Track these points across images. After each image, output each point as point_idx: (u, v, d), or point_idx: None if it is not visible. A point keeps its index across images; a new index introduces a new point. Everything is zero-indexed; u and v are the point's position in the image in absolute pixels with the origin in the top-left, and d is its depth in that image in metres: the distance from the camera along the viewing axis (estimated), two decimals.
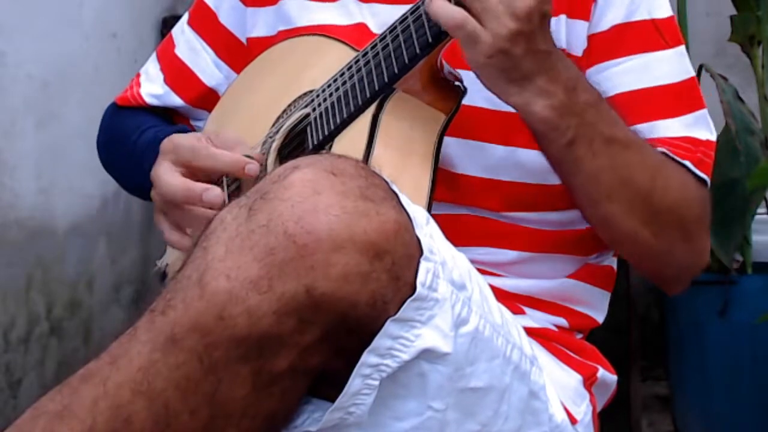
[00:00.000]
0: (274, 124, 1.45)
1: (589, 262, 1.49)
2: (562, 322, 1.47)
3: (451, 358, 1.17)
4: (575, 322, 1.48)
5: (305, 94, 1.43)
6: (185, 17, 1.66)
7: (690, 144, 1.42)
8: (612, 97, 1.41)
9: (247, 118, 1.50)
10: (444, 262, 1.17)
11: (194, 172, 1.40)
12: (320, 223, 1.09)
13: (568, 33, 1.42)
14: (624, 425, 2.71)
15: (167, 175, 1.40)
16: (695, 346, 2.65)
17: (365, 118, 1.32)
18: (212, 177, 1.41)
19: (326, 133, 1.37)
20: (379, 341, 1.13)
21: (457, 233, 1.30)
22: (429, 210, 1.27)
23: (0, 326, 2.47)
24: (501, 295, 1.36)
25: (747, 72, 2.78)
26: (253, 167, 1.38)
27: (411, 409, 1.18)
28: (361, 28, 1.47)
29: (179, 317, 1.10)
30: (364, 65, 1.34)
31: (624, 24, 1.43)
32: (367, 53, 1.35)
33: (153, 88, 1.64)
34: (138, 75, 1.67)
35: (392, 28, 1.33)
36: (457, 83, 1.35)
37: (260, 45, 1.54)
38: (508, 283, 1.43)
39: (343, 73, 1.37)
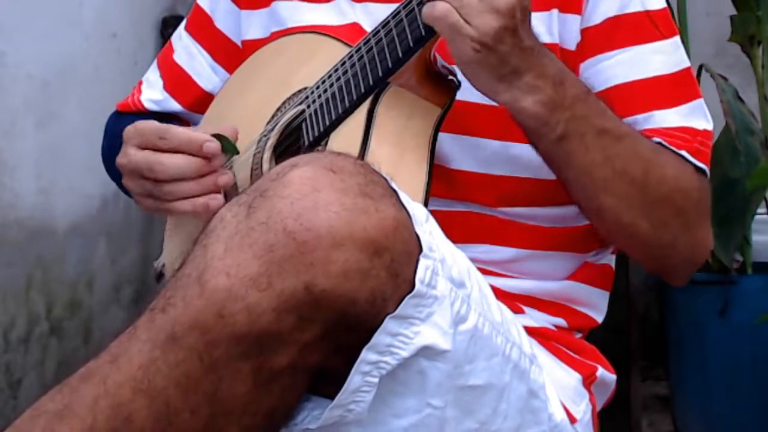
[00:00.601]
0: (268, 122, 1.45)
1: (587, 260, 1.49)
2: (562, 322, 1.47)
3: (450, 356, 1.17)
4: (575, 322, 1.48)
5: (299, 91, 1.43)
6: (183, 23, 1.67)
7: (687, 134, 1.42)
8: (607, 89, 1.41)
9: (241, 117, 1.50)
10: (443, 260, 1.17)
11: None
12: (320, 220, 1.10)
13: (561, 28, 1.42)
14: (624, 425, 2.71)
15: (160, 157, 1.38)
16: (695, 346, 2.65)
17: (360, 113, 1.33)
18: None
19: (321, 129, 1.37)
20: (379, 338, 1.13)
21: (455, 230, 1.30)
22: (426, 203, 1.27)
23: (0, 326, 2.47)
24: (500, 294, 1.36)
25: (747, 72, 2.78)
26: (212, 145, 1.38)
27: (410, 407, 1.18)
28: (355, 28, 1.47)
29: (179, 315, 1.11)
30: (358, 60, 1.34)
31: (617, 16, 1.43)
32: (360, 48, 1.35)
33: (153, 94, 1.64)
34: (140, 83, 1.68)
35: (385, 23, 1.33)
36: (451, 77, 1.35)
37: (255, 47, 1.54)
38: (507, 283, 1.43)
39: (336, 69, 1.37)
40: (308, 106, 1.39)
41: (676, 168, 1.40)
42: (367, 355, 1.13)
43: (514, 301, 1.42)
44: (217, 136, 1.39)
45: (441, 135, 1.34)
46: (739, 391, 2.61)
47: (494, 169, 1.41)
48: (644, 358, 2.86)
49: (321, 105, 1.37)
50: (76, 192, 2.70)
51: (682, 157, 1.41)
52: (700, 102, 1.45)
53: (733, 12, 2.70)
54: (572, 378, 1.43)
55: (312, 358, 1.12)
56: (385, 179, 1.17)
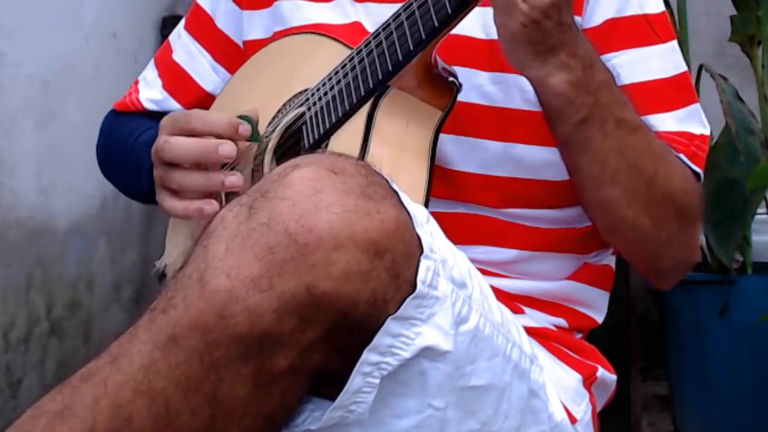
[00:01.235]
0: (269, 124, 1.45)
1: (588, 261, 1.49)
2: (562, 322, 1.47)
3: (451, 357, 1.17)
4: (575, 322, 1.48)
5: (300, 93, 1.43)
6: (182, 22, 1.66)
7: (684, 138, 1.42)
8: None
9: None
10: (444, 261, 1.17)
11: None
12: (321, 221, 1.10)
13: None
14: (624, 425, 2.71)
15: (174, 138, 1.38)
16: (695, 346, 2.65)
17: (360, 116, 1.33)
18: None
19: (322, 131, 1.37)
20: (380, 339, 1.13)
21: (456, 232, 1.30)
22: (426, 206, 1.27)
23: (0, 326, 2.47)
24: (501, 295, 1.36)
25: (747, 72, 2.78)
26: (245, 127, 1.38)
27: (411, 408, 1.18)
28: (357, 27, 1.47)
29: (180, 316, 1.11)
30: (359, 63, 1.34)
31: (615, 19, 1.43)
32: (361, 51, 1.35)
33: (152, 93, 1.64)
34: (136, 82, 1.67)
35: (386, 26, 1.33)
36: (451, 79, 1.35)
37: (256, 47, 1.54)
38: (507, 284, 1.43)
39: (337, 72, 1.37)
40: (309, 109, 1.39)
41: (681, 169, 1.40)
42: (368, 356, 1.13)
43: (514, 301, 1.42)
44: (244, 118, 1.39)
45: (442, 136, 1.34)
46: (739, 391, 2.61)
47: (495, 171, 1.41)
48: (644, 358, 2.86)
49: (321, 107, 1.37)
50: (76, 192, 2.70)
51: (681, 160, 1.41)
52: (696, 107, 1.46)
53: (733, 12, 2.70)
54: (572, 378, 1.43)
55: (313, 359, 1.12)
56: (386, 180, 1.17)
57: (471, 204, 1.42)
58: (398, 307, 1.13)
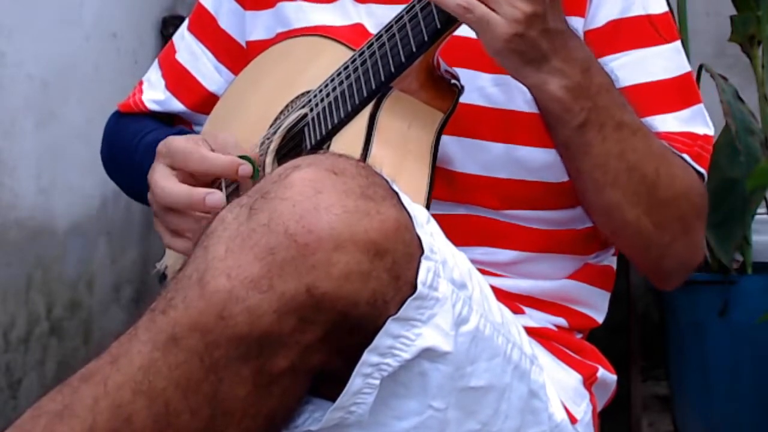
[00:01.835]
0: (271, 125, 1.45)
1: (588, 262, 1.49)
2: (562, 322, 1.47)
3: (451, 357, 1.17)
4: (575, 322, 1.48)
5: (303, 94, 1.43)
6: (185, 23, 1.66)
7: (688, 138, 1.42)
8: None
9: (245, 119, 1.50)
10: (444, 261, 1.17)
11: (190, 175, 1.39)
12: (321, 222, 1.09)
13: None
14: (624, 425, 2.71)
15: (165, 181, 1.37)
16: (695, 346, 2.65)
17: (362, 117, 1.32)
18: (209, 179, 1.40)
19: (323, 133, 1.37)
20: (380, 340, 1.13)
21: (457, 233, 1.30)
22: (428, 208, 1.27)
23: (0, 326, 2.47)
24: (501, 295, 1.36)
25: (747, 72, 2.78)
26: (245, 168, 1.37)
27: (412, 409, 1.18)
28: (359, 29, 1.47)
29: (180, 316, 1.10)
30: (361, 65, 1.34)
31: (619, 20, 1.43)
32: (363, 52, 1.35)
33: (155, 94, 1.64)
34: (140, 82, 1.67)
35: (388, 27, 1.33)
36: (454, 81, 1.35)
37: (259, 48, 1.54)
38: (507, 283, 1.43)
39: (339, 73, 1.37)
40: (311, 110, 1.39)
41: (683, 170, 1.40)
42: (368, 357, 1.13)
43: (514, 301, 1.42)
44: (245, 158, 1.38)
45: (444, 137, 1.33)
46: (739, 391, 2.61)
47: (497, 172, 1.41)
48: (644, 358, 2.86)
49: (323, 109, 1.37)
50: (76, 192, 2.70)
51: (684, 160, 1.41)
52: (700, 107, 1.46)
53: (733, 12, 2.71)
54: (573, 378, 1.43)
55: (313, 360, 1.12)
56: (386, 181, 1.17)
57: (472, 205, 1.42)
58: (398, 308, 1.13)
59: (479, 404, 1.23)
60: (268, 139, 1.44)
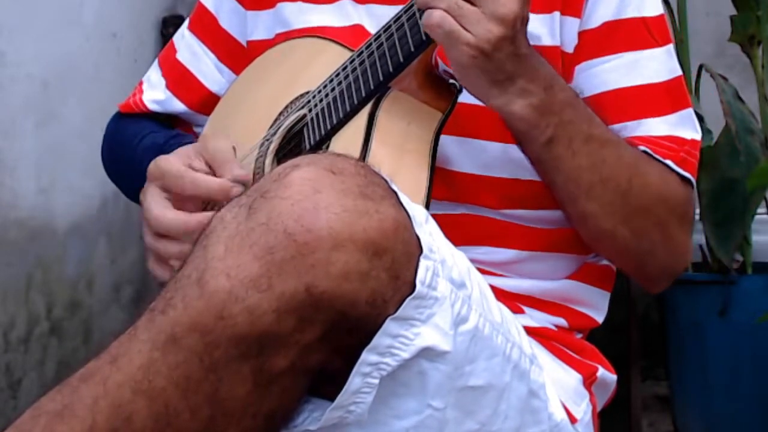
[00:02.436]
0: (271, 126, 1.45)
1: (587, 261, 1.49)
2: (562, 322, 1.47)
3: (450, 357, 1.18)
4: (575, 322, 1.48)
5: (302, 95, 1.43)
6: (186, 23, 1.66)
7: (674, 143, 1.43)
8: (600, 93, 1.42)
9: (245, 120, 1.50)
10: (443, 261, 1.17)
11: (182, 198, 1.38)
12: (320, 221, 1.10)
13: (562, 30, 1.43)
14: (624, 425, 2.71)
15: (158, 207, 1.36)
16: (695, 346, 2.65)
17: (361, 117, 1.33)
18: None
19: (323, 133, 1.37)
20: (379, 340, 1.13)
21: (456, 232, 1.30)
22: (427, 208, 1.27)
23: (0, 326, 2.47)
24: (500, 294, 1.36)
25: (747, 72, 2.78)
26: (237, 191, 1.35)
27: (411, 408, 1.18)
28: (359, 30, 1.47)
29: (179, 316, 1.11)
30: (359, 65, 1.34)
31: (614, 21, 1.44)
32: (362, 53, 1.35)
33: (155, 94, 1.63)
34: (140, 83, 1.67)
35: (386, 27, 1.33)
36: (452, 81, 1.35)
37: (260, 48, 1.54)
38: (507, 283, 1.43)
39: (338, 74, 1.37)
40: (310, 111, 1.39)
41: (660, 177, 1.40)
42: (367, 356, 1.13)
43: (514, 301, 1.42)
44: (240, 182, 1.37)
45: (442, 137, 1.34)
46: (739, 391, 2.61)
47: (495, 172, 1.42)
48: (644, 358, 2.86)
49: (322, 109, 1.37)
50: (76, 192, 2.70)
51: (667, 166, 1.41)
52: (689, 111, 1.46)
53: (733, 12, 2.70)
54: (572, 378, 1.43)
55: (312, 359, 1.12)
56: (385, 180, 1.17)
57: (471, 205, 1.42)
58: (397, 308, 1.13)
59: (478, 404, 1.23)
60: (267, 139, 1.44)
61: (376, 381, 1.14)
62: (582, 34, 1.43)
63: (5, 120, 2.50)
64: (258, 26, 1.57)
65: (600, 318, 1.52)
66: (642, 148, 1.41)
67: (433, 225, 1.20)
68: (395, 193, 1.16)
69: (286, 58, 1.49)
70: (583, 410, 1.42)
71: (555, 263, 1.46)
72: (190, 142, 1.46)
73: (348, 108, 1.34)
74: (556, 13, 1.42)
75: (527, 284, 1.45)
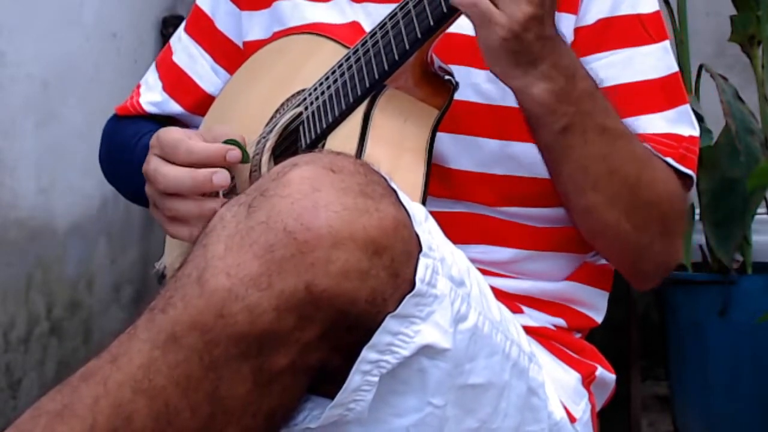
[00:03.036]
0: (267, 124, 1.45)
1: (587, 261, 1.49)
2: (561, 322, 1.47)
3: (450, 355, 1.18)
4: (574, 322, 1.48)
5: (298, 93, 1.43)
6: (182, 25, 1.66)
7: (672, 140, 1.43)
8: None
9: (240, 118, 1.50)
10: (443, 259, 1.18)
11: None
12: (320, 219, 1.10)
13: (557, 26, 1.42)
14: (624, 425, 2.71)
15: (165, 168, 1.37)
16: (695, 346, 2.65)
17: (357, 115, 1.33)
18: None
19: (319, 131, 1.37)
20: (379, 337, 1.13)
21: (454, 231, 1.30)
22: (424, 204, 1.27)
23: (0, 326, 2.47)
24: (500, 295, 1.36)
25: (747, 72, 2.78)
26: (234, 153, 1.37)
27: (411, 406, 1.18)
28: (355, 27, 1.47)
29: (179, 315, 1.11)
30: (355, 62, 1.34)
31: (609, 18, 1.44)
32: (357, 50, 1.35)
33: (152, 96, 1.63)
34: (138, 85, 1.67)
35: (382, 25, 1.33)
36: (448, 78, 1.35)
37: (256, 48, 1.54)
38: (506, 284, 1.43)
39: (334, 71, 1.37)
40: (306, 108, 1.39)
41: (665, 174, 1.41)
42: (367, 354, 1.13)
43: (513, 301, 1.42)
44: (231, 142, 1.38)
45: (439, 134, 1.34)
46: (739, 391, 2.61)
47: (492, 169, 1.42)
48: (644, 358, 2.86)
49: (318, 107, 1.37)
50: (76, 192, 2.70)
51: (667, 163, 1.41)
52: (686, 108, 1.46)
53: (733, 12, 2.70)
54: (572, 377, 1.43)
55: (312, 357, 1.12)
56: (385, 179, 1.17)
57: (468, 202, 1.42)
58: (397, 306, 1.13)
59: (478, 402, 1.23)
60: (264, 137, 1.44)
61: (376, 379, 1.14)
62: (577, 31, 1.43)
63: (5, 120, 2.50)
64: (253, 26, 1.57)
65: (599, 318, 1.52)
66: (644, 144, 1.41)
67: (432, 223, 1.20)
68: (395, 191, 1.16)
69: (282, 55, 1.49)
70: (582, 409, 1.43)
71: (554, 263, 1.46)
72: None
73: (344, 106, 1.34)
74: None
75: (526, 284, 1.45)
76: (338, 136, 1.34)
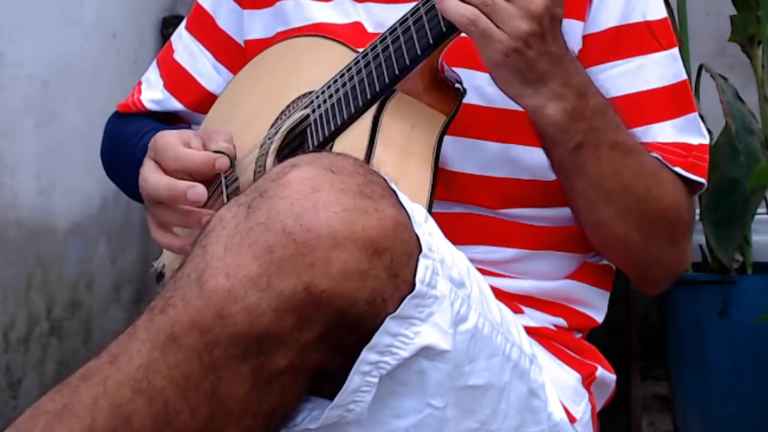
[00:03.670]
0: (272, 126, 1.45)
1: (587, 261, 1.49)
2: (561, 322, 1.47)
3: (450, 356, 1.17)
4: (574, 322, 1.48)
5: (304, 95, 1.43)
6: (183, 23, 1.66)
7: (682, 149, 1.43)
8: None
9: (244, 119, 1.50)
10: (443, 260, 1.17)
11: (185, 173, 1.40)
12: (319, 220, 1.10)
13: (565, 32, 1.42)
14: (624, 425, 2.71)
15: (151, 174, 1.40)
16: (695, 346, 2.65)
17: (366, 119, 1.33)
18: (206, 176, 1.41)
19: (327, 134, 1.37)
20: (379, 338, 1.13)
21: (455, 232, 1.30)
22: (429, 211, 1.27)
23: (0, 326, 2.47)
24: (500, 294, 1.36)
25: (747, 72, 2.78)
26: (222, 161, 1.39)
27: (410, 407, 1.18)
28: (358, 27, 1.47)
29: (179, 315, 1.11)
30: (365, 66, 1.34)
31: (619, 26, 1.44)
32: (367, 54, 1.35)
33: (153, 93, 1.64)
34: (139, 83, 1.67)
35: (392, 29, 1.33)
36: (457, 84, 1.35)
37: (258, 47, 1.54)
38: (506, 284, 1.43)
39: (342, 74, 1.37)
40: (313, 111, 1.39)
41: (674, 185, 1.42)
42: (367, 355, 1.13)
43: (513, 301, 1.42)
44: (219, 152, 1.40)
45: None
46: (739, 391, 2.61)
47: (494, 171, 1.42)
48: (644, 358, 2.86)
49: (326, 110, 1.37)
50: (76, 192, 2.70)
51: (677, 173, 1.41)
52: (695, 116, 1.46)
53: (733, 12, 2.70)
54: (572, 378, 1.43)
55: (312, 358, 1.12)
56: (384, 180, 1.17)
57: (470, 204, 1.42)
58: (397, 307, 1.13)
59: (478, 403, 1.23)
60: (269, 139, 1.44)
61: (376, 380, 1.14)
62: (587, 38, 1.43)
63: (5, 120, 2.50)
64: (255, 25, 1.57)
65: (599, 318, 1.52)
66: (654, 154, 1.41)
67: (432, 224, 1.20)
68: (394, 192, 1.16)
69: (286, 56, 1.49)
70: (583, 410, 1.43)
71: (554, 262, 1.46)
72: None
73: (353, 109, 1.34)
74: None
75: (527, 284, 1.45)
76: (347, 139, 1.34)
